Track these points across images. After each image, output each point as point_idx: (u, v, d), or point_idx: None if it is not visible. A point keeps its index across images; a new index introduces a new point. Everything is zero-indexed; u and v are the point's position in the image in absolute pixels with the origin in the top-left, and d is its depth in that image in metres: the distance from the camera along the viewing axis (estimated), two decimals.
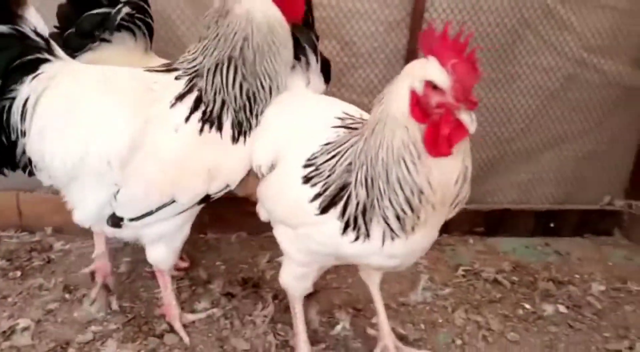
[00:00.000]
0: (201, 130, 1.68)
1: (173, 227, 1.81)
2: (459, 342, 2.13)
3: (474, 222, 3.01)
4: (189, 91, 1.71)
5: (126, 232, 1.78)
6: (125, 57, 2.09)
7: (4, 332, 1.94)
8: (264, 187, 1.78)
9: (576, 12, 2.77)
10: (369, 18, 2.63)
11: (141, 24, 2.16)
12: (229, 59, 1.71)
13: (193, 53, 1.77)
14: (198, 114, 1.69)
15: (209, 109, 1.70)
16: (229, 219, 2.74)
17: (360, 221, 1.47)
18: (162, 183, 1.67)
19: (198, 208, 1.84)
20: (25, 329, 1.95)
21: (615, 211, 3.19)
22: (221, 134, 1.71)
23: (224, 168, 1.74)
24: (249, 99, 1.74)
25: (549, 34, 2.81)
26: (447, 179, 1.40)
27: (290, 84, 1.87)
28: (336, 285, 2.45)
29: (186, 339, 1.95)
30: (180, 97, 1.69)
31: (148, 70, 1.76)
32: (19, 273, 2.33)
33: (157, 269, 1.97)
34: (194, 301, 2.22)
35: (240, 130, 1.74)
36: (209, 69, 1.72)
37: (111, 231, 1.77)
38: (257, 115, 1.77)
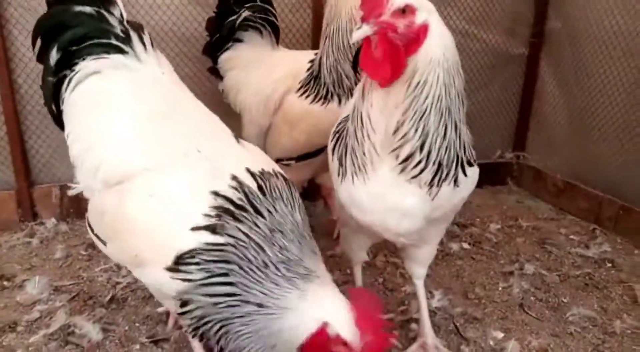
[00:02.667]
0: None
1: None
2: (380, 280, 2.42)
3: None
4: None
5: None
6: (254, 52, 2.50)
7: None
8: None
9: None
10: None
11: (265, 23, 2.50)
12: None
13: None
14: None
15: None
16: None
17: (342, 160, 1.57)
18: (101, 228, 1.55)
19: None
20: None
21: (506, 162, 3.66)
22: None
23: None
24: None
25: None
26: (385, 122, 1.43)
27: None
28: None
29: None
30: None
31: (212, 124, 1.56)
32: None
33: None
34: None
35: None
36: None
37: None
38: None
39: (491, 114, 3.57)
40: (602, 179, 3.06)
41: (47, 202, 2.74)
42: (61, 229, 2.70)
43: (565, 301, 2.31)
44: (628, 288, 2.41)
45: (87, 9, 1.59)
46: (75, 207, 2.78)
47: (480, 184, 3.43)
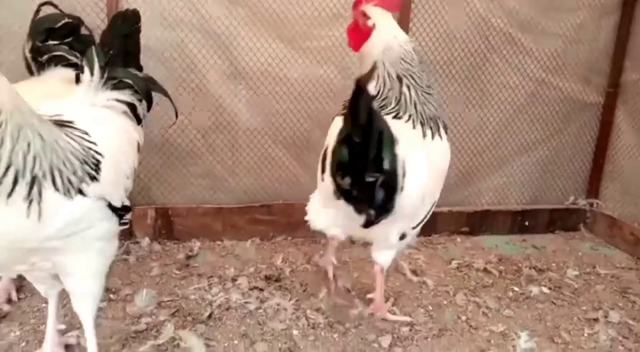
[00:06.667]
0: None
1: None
2: (463, 318, 2.44)
3: (459, 223, 3.38)
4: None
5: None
6: None
7: None
8: None
9: (533, 39, 3.28)
10: None
11: None
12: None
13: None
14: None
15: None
16: (241, 226, 3.03)
17: None
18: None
19: None
20: None
21: (579, 209, 3.64)
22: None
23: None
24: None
25: (512, 57, 3.29)
26: None
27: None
28: None
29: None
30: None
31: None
32: None
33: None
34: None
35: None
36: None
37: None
38: None
39: (565, 160, 3.59)
40: None
41: (142, 222, 2.92)
42: (154, 248, 2.86)
43: None
44: None
45: None
46: (167, 229, 2.95)
47: (552, 229, 3.57)
